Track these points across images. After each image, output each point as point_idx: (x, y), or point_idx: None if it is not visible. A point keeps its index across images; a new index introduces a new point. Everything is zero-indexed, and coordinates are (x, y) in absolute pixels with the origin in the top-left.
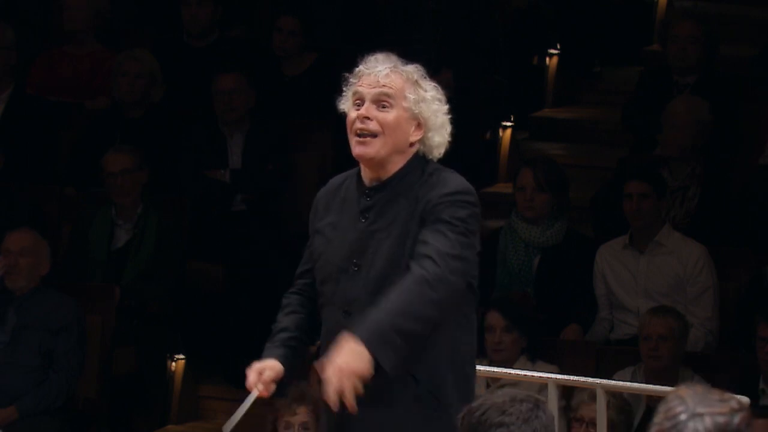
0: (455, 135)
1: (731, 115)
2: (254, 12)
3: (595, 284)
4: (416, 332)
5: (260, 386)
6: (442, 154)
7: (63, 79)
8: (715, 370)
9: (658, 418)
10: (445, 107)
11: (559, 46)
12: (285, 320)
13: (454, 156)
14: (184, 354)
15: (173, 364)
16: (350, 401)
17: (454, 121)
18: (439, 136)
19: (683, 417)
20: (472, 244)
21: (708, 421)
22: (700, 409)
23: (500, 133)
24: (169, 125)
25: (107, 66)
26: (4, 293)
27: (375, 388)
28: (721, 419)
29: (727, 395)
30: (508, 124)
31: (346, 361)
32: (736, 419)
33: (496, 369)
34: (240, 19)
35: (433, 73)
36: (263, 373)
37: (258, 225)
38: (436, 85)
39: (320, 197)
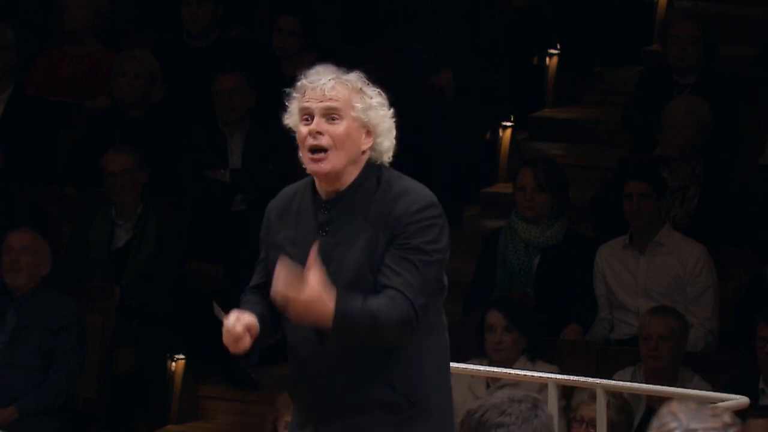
0: (455, 135)
1: (731, 115)
2: (254, 12)
3: (595, 284)
4: (365, 339)
5: (237, 326)
6: (391, 158)
7: (63, 79)
8: (715, 370)
9: None
10: (390, 111)
11: (559, 46)
12: (251, 307)
13: (454, 156)
14: (184, 354)
15: (173, 364)
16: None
17: (455, 121)
18: (388, 141)
19: None
20: (439, 267)
21: None
22: (693, 425)
23: (500, 133)
24: (169, 125)
25: (107, 66)
26: (4, 293)
27: (350, 397)
28: None
29: (720, 410)
30: (508, 124)
31: (312, 305)
32: None
33: (496, 369)
34: (240, 19)
35: (433, 73)
36: (241, 318)
37: (258, 225)
38: (380, 90)
39: (272, 209)
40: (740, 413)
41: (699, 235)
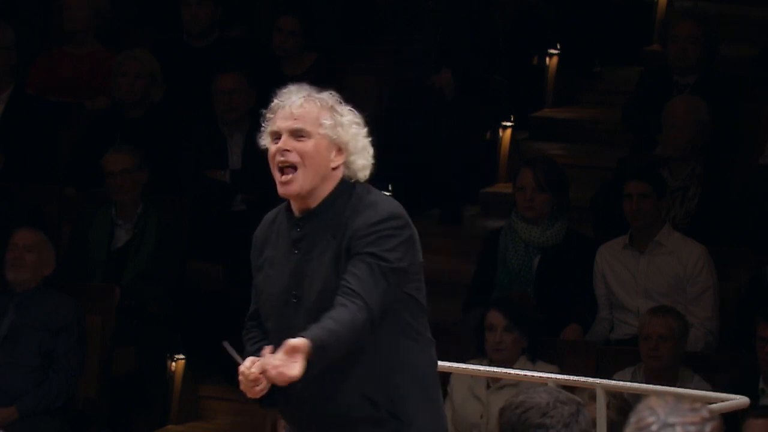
0: (455, 135)
1: (731, 115)
2: (254, 12)
3: (595, 284)
4: (334, 358)
5: (253, 369)
6: (367, 177)
7: (63, 79)
8: (715, 370)
9: (629, 429)
10: (364, 130)
11: (559, 46)
12: (258, 346)
13: (454, 156)
14: (184, 354)
15: (173, 364)
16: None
17: (455, 121)
18: (362, 159)
19: (654, 428)
20: (400, 275)
21: (679, 430)
22: (671, 419)
23: (500, 133)
24: (169, 125)
25: (107, 66)
26: (5, 292)
27: (333, 415)
28: (692, 428)
29: (698, 404)
30: (508, 124)
31: (285, 367)
32: (707, 428)
33: (496, 369)
34: (240, 19)
35: (433, 73)
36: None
37: (258, 225)
38: (352, 108)
39: (257, 235)
40: (740, 413)
41: (699, 235)
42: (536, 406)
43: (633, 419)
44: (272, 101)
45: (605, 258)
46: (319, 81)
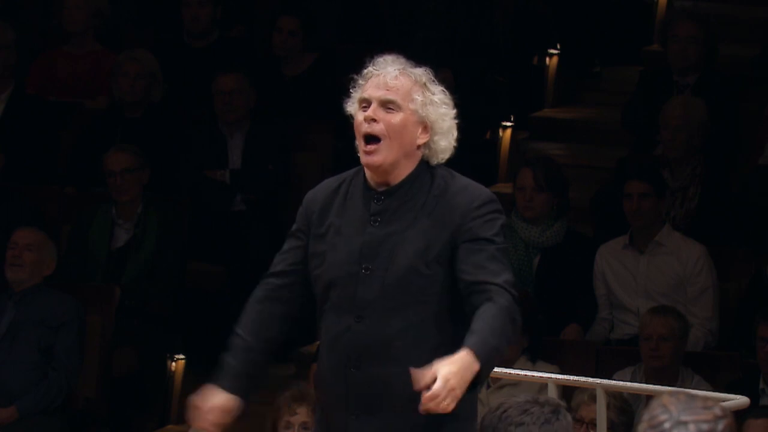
0: (455, 135)
1: (731, 115)
2: (254, 12)
3: (595, 284)
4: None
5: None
6: (445, 159)
7: (63, 79)
8: (715, 370)
9: (641, 427)
10: (453, 112)
11: (559, 46)
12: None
13: (454, 156)
14: (184, 354)
15: (173, 364)
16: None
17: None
18: (445, 141)
19: (667, 425)
20: (507, 252)
21: (692, 428)
22: (684, 417)
23: (500, 133)
24: (169, 125)
25: (107, 66)
26: (5, 291)
27: (374, 396)
28: (705, 426)
29: (711, 402)
30: (508, 124)
31: (461, 377)
32: (720, 426)
33: (496, 369)
34: (240, 19)
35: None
36: (210, 414)
37: (258, 225)
38: (444, 89)
39: (314, 199)
40: (740, 413)
41: (699, 235)
42: (515, 405)
43: (646, 417)
44: (366, 68)
45: (605, 258)
46: (319, 81)
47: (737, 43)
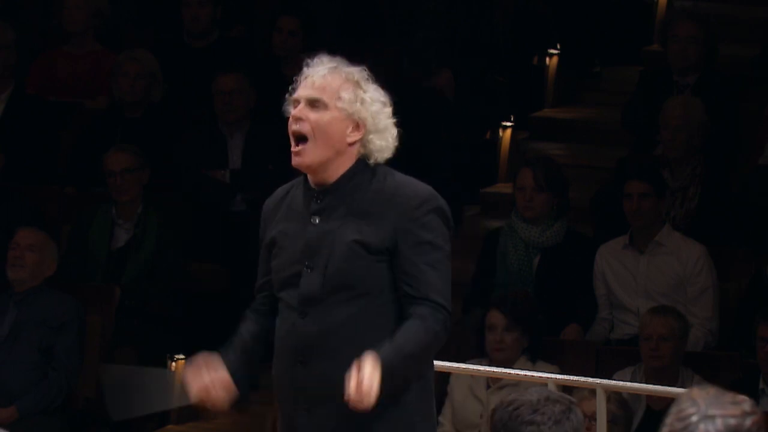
0: (455, 135)
1: (731, 115)
2: (254, 12)
3: (595, 284)
4: (407, 380)
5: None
6: (385, 159)
7: (63, 79)
8: (715, 370)
9: (669, 419)
10: (388, 110)
11: (559, 46)
12: (243, 333)
13: (454, 156)
14: (184, 354)
15: (173, 364)
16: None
17: (454, 121)
18: (381, 140)
19: (694, 419)
20: (449, 256)
21: (719, 423)
22: (711, 411)
23: (500, 133)
24: (169, 125)
25: (107, 66)
26: (5, 291)
27: (320, 390)
28: (732, 421)
29: (740, 397)
30: (508, 124)
31: (373, 384)
32: (748, 421)
33: (496, 369)
34: (240, 19)
35: (433, 73)
36: (212, 389)
37: (258, 225)
38: (378, 87)
39: (268, 207)
40: None
41: (699, 235)
42: (527, 403)
43: (673, 410)
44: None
45: (605, 258)
46: None
47: (737, 43)
